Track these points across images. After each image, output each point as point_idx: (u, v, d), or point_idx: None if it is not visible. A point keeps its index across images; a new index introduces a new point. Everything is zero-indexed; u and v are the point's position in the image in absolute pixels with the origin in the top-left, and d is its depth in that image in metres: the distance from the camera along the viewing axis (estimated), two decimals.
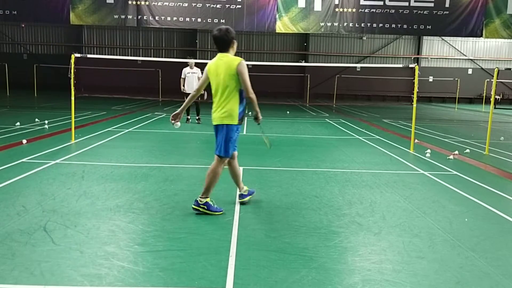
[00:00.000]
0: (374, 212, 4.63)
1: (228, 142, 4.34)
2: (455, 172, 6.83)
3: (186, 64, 12.70)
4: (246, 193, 4.83)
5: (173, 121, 4.65)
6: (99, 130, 10.40)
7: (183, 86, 12.62)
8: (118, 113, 15.37)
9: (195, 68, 12.56)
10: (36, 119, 11.85)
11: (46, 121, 11.23)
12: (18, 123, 10.93)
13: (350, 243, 3.73)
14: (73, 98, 8.94)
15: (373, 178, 6.23)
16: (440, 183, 6.06)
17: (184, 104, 4.68)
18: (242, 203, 4.75)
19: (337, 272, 3.15)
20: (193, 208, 4.40)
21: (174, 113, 4.61)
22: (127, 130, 10.74)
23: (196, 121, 12.81)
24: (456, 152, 8.54)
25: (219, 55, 4.34)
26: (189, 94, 12.34)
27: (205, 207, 4.36)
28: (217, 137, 4.43)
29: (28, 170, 5.99)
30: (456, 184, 6.01)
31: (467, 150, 8.99)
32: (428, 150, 8.56)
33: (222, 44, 4.29)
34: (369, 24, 20.57)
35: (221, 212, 4.40)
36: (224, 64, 4.25)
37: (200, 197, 4.40)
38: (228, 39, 4.28)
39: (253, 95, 4.33)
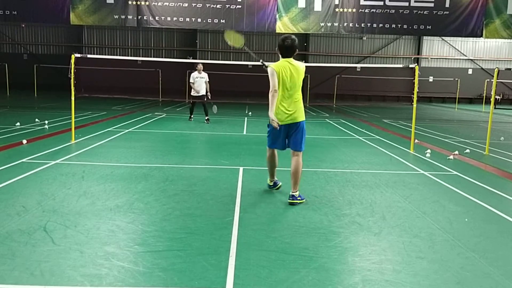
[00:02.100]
0: (374, 212, 4.63)
1: (305, 136, 4.92)
2: (455, 172, 6.83)
3: (187, 65, 12.99)
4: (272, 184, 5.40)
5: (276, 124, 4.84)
6: (99, 130, 10.40)
7: (193, 90, 13.04)
8: (118, 113, 15.36)
9: (203, 72, 12.92)
10: (36, 119, 11.85)
11: (46, 121, 11.23)
12: (18, 123, 10.93)
13: (350, 243, 3.73)
14: (73, 98, 8.94)
15: (373, 178, 6.23)
16: (440, 183, 6.06)
17: (271, 105, 4.73)
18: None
19: (337, 272, 3.15)
20: (291, 203, 4.80)
21: (272, 120, 4.73)
22: (127, 130, 10.74)
23: (205, 122, 13.08)
24: (456, 152, 8.54)
25: (287, 59, 4.81)
26: (197, 96, 13.03)
27: (300, 198, 4.87)
28: (296, 134, 4.84)
29: (28, 170, 5.99)
30: (456, 184, 6.01)
31: (467, 150, 8.99)
32: (428, 150, 8.56)
33: (292, 51, 4.80)
34: (369, 24, 20.57)
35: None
36: (298, 68, 4.80)
37: (293, 192, 4.85)
38: (296, 47, 4.82)
39: None
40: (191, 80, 12.94)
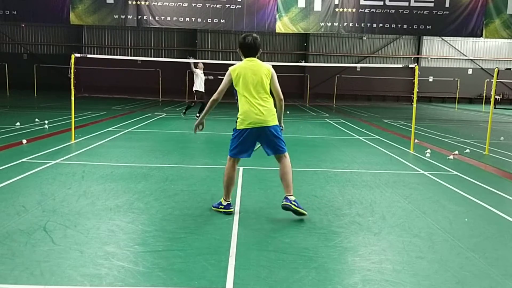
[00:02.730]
0: (374, 212, 4.63)
1: (281, 137, 4.45)
2: (455, 172, 6.83)
3: (187, 65, 13.89)
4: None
5: (199, 130, 4.64)
6: (99, 130, 10.40)
7: (196, 85, 13.84)
8: (118, 113, 15.37)
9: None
10: (36, 119, 11.85)
11: (46, 121, 11.23)
12: (18, 123, 10.93)
13: (350, 243, 3.73)
14: (73, 98, 8.94)
15: (373, 178, 6.23)
16: (440, 183, 6.06)
17: (204, 112, 4.54)
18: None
19: (337, 272, 3.15)
20: (284, 206, 4.29)
21: (197, 123, 4.59)
22: (127, 130, 10.74)
23: (196, 116, 13.55)
24: (456, 152, 8.54)
25: (249, 59, 4.43)
26: (200, 92, 13.96)
27: (295, 203, 4.30)
28: (270, 139, 4.36)
29: (28, 170, 5.99)
30: (456, 184, 6.01)
31: (467, 150, 8.99)
32: (428, 150, 8.56)
33: (254, 50, 4.45)
34: (369, 24, 20.58)
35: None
36: (260, 67, 4.40)
37: (289, 195, 4.34)
38: (259, 46, 4.48)
39: (283, 100, 4.52)
40: (199, 72, 13.64)
